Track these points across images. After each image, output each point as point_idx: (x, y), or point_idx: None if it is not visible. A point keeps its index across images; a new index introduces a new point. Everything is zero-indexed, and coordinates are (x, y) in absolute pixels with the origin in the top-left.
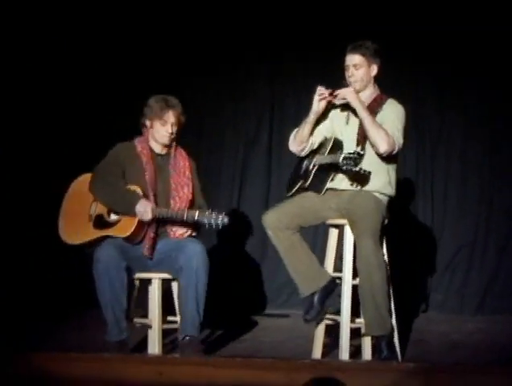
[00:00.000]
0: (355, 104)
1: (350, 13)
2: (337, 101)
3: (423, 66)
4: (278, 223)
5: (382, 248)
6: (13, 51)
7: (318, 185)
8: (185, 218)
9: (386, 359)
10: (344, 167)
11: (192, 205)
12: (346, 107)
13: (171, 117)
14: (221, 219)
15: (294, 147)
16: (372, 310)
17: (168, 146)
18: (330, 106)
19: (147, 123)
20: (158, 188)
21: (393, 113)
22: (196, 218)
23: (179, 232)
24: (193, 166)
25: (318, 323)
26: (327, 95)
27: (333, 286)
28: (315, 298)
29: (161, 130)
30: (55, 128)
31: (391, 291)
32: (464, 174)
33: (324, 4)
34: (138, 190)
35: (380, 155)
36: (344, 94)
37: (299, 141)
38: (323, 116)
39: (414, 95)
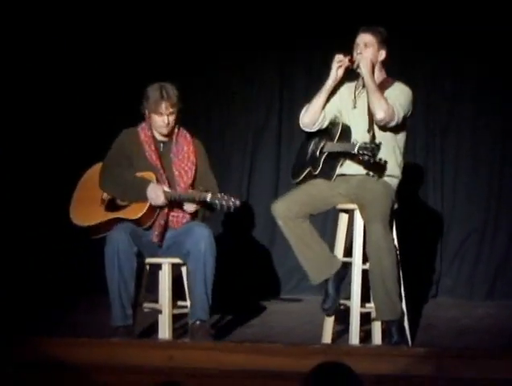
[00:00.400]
0: (365, 70)
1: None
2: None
3: (434, 58)
4: (288, 212)
5: (392, 232)
6: (12, 45)
7: (328, 172)
8: (197, 199)
9: (396, 344)
10: (361, 157)
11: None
12: (353, 91)
13: (165, 108)
14: (233, 202)
15: (306, 118)
16: (382, 294)
17: (169, 134)
18: (347, 72)
19: (146, 112)
20: (163, 178)
21: (398, 90)
22: (208, 199)
23: (179, 216)
24: (199, 148)
25: (335, 313)
26: (346, 61)
27: (345, 272)
28: (329, 287)
29: (158, 121)
30: (55, 127)
31: (401, 276)
32: (474, 161)
33: None
34: (151, 176)
35: (378, 125)
36: (360, 59)
37: (313, 111)
38: (332, 94)
39: (423, 86)
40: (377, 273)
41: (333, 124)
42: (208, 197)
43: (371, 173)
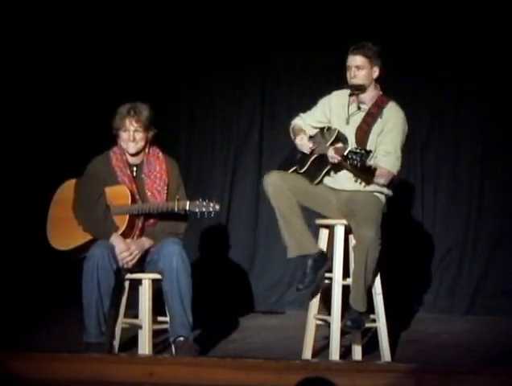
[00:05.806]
0: None
1: (342, 14)
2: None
3: (415, 72)
4: (281, 181)
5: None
6: (7, 57)
7: (313, 174)
8: (176, 209)
9: (348, 327)
10: (349, 161)
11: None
12: (346, 105)
13: (129, 123)
14: (212, 207)
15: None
16: (360, 289)
17: (137, 154)
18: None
19: (116, 132)
20: (136, 197)
21: (395, 128)
22: (187, 208)
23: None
24: (172, 166)
25: (312, 296)
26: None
27: (324, 259)
28: (308, 266)
29: (124, 137)
30: (47, 132)
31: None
32: (454, 175)
33: (316, 5)
34: (125, 190)
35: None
36: None
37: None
38: (322, 114)
39: (404, 101)
40: (361, 271)
41: (329, 129)
42: (187, 205)
43: (359, 180)
